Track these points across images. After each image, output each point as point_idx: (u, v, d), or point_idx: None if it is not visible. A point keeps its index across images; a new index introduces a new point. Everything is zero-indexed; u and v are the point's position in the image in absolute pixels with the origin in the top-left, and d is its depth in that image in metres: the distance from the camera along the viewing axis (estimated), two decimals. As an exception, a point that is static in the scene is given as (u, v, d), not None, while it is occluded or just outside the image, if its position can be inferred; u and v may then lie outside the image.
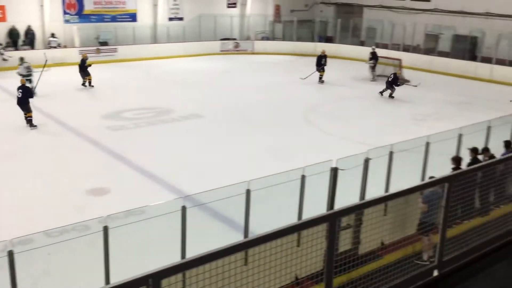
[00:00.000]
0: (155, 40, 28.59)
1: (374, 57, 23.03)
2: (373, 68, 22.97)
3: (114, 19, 27.20)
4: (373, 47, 24.17)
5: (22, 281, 4.98)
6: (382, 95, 19.34)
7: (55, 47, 25.00)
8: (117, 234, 5.95)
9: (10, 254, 4.70)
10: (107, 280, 5.57)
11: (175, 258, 5.81)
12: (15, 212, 9.06)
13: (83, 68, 19.55)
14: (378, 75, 22.60)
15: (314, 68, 21.54)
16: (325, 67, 21.60)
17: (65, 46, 25.61)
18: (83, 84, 19.61)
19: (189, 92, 19.74)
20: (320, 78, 21.48)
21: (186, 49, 28.24)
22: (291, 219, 6.84)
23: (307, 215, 6.94)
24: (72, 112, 15.84)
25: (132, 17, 27.74)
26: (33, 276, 6.56)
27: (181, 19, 29.70)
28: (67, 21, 25.92)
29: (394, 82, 18.97)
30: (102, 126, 14.64)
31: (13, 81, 20.28)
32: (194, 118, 15.83)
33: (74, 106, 16.74)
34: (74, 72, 23.00)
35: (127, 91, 19.55)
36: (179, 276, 3.58)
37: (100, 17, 26.69)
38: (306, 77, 20.64)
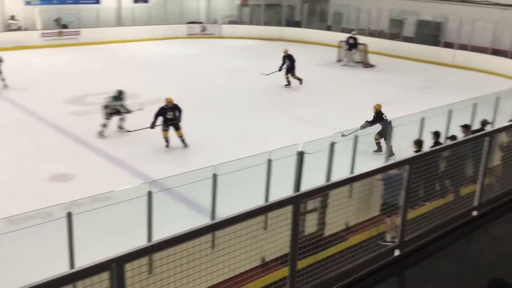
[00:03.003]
0: (119, 23, 28.01)
1: (354, 44, 22.88)
2: (349, 51, 22.86)
3: (77, 1, 26.52)
4: (354, 32, 23.80)
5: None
6: None
7: (15, 30, 24.22)
8: (82, 220, 5.88)
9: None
10: (72, 266, 5.50)
11: (141, 243, 5.80)
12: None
13: None
14: (356, 62, 22.72)
15: (280, 61, 18.60)
16: (294, 69, 18.35)
17: (26, 29, 24.83)
18: None
19: (155, 76, 19.47)
20: (287, 79, 18.45)
21: (152, 32, 27.78)
22: (258, 203, 6.91)
23: (274, 199, 7.02)
24: (34, 97, 15.44)
25: (96, -1, 27.12)
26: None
27: (146, 1, 29.17)
28: (28, 3, 25.10)
29: None
30: (65, 111, 14.33)
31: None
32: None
33: (35, 91, 16.31)
34: (35, 55, 22.39)
35: (91, 75, 19.12)
36: (144, 260, 3.57)
37: (62, -1, 25.98)
38: (268, 74, 18.48)
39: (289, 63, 18.39)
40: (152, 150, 11.65)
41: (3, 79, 16.45)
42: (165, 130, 11.89)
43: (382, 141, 11.35)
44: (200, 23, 30.54)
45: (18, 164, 10.51)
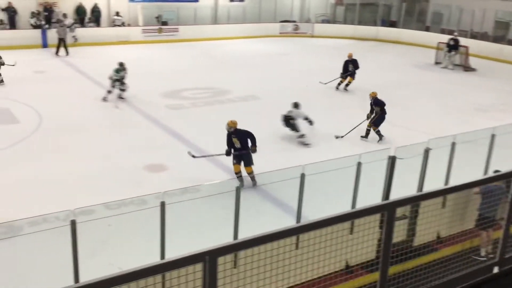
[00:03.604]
0: (215, 21, 28.79)
1: (455, 46, 21.74)
2: (449, 53, 21.75)
3: (177, -1, 27.63)
4: (455, 33, 22.73)
5: (82, 249, 5.21)
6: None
7: (119, 26, 25.69)
8: (172, 210, 6.08)
9: (73, 223, 4.92)
10: (162, 255, 5.73)
11: (227, 237, 5.91)
12: (76, 184, 9.46)
13: None
14: (456, 65, 21.68)
15: (349, 70, 17.24)
16: (355, 74, 17.19)
17: (128, 25, 26.26)
18: None
19: (247, 73, 19.79)
20: (346, 85, 17.25)
21: (245, 30, 28.27)
22: (344, 206, 6.78)
23: (360, 202, 6.86)
24: (133, 89, 16.28)
25: (194, -3, 28.08)
26: (93, 245, 6.86)
27: (242, 0, 29.72)
28: (131, 0, 26.52)
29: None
30: (161, 104, 14.98)
31: (83, 61, 21.14)
32: (251, 99, 15.89)
33: (135, 83, 17.19)
34: (136, 50, 23.67)
35: (187, 71, 19.84)
36: (231, 256, 3.64)
37: (164, -3, 27.17)
38: (327, 83, 16.91)
39: (353, 68, 17.11)
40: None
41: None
42: (235, 163, 9.43)
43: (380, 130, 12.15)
44: (293, 21, 30.58)
45: (115, 153, 11.11)
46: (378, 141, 12.24)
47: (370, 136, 12.37)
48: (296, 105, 12.47)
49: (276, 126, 12.38)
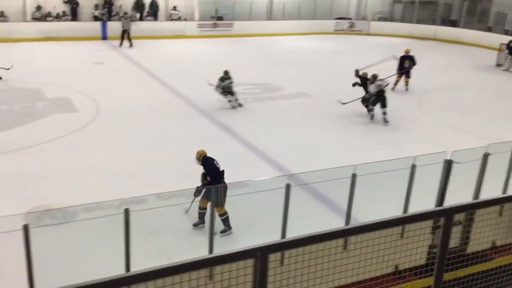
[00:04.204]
0: (270, 16, 28.80)
1: None
2: (510, 55, 20.78)
3: (232, -6, 27.86)
4: None
5: (134, 237, 5.34)
6: None
7: (176, 20, 26.17)
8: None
9: (126, 212, 5.04)
10: (211, 249, 5.78)
11: (274, 234, 5.90)
12: (130, 173, 9.70)
13: None
14: None
15: (408, 65, 16.64)
16: (410, 72, 16.61)
17: (185, 19, 26.69)
18: None
19: (300, 70, 19.70)
20: (406, 84, 16.72)
21: (300, 27, 28.14)
22: (395, 209, 6.62)
23: (412, 206, 6.68)
24: (186, 82, 16.54)
25: (250, -7, 28.19)
26: (143, 234, 7.02)
27: (297, -4, 29.63)
28: (186, -6, 26.95)
29: None
30: (213, 98, 15.13)
31: (140, 53, 21.67)
32: (302, 97, 15.80)
33: (188, 77, 17.46)
34: (192, 44, 24.04)
35: (240, 66, 19.94)
36: (278, 253, 3.61)
37: (220, -8, 27.45)
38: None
39: (410, 64, 16.52)
40: (294, 144, 11.74)
41: None
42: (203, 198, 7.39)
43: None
44: (349, 19, 30.15)
45: (167, 144, 11.29)
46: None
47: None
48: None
49: (325, 124, 12.25)
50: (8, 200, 8.20)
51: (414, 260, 5.37)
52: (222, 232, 7.27)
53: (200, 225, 7.50)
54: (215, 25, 26.48)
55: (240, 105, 14.23)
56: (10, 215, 5.83)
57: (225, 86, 13.96)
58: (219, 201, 7.07)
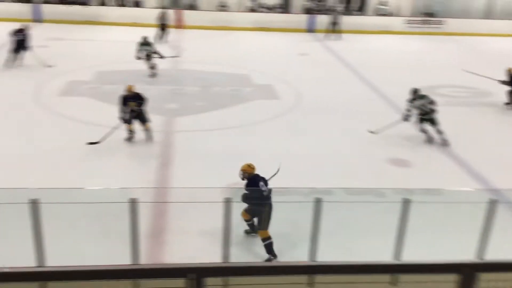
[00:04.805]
0: (489, 15, 26.36)
1: None
2: None
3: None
4: None
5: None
6: None
7: (383, 15, 25.68)
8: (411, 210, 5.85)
9: (317, 202, 5.13)
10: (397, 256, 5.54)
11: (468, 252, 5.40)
12: (319, 163, 9.86)
13: None
14: None
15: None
16: None
17: (391, 14, 26.00)
18: None
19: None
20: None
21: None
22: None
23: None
24: (385, 78, 16.13)
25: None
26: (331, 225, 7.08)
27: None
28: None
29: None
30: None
31: (344, 47, 21.89)
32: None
33: (388, 74, 16.99)
34: (396, 40, 23.37)
35: (447, 66, 18.79)
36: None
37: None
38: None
39: None
40: (503, 156, 10.64)
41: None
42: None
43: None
44: None
45: (358, 141, 11.17)
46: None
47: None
48: None
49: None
50: (211, 173, 9.06)
51: None
52: (266, 261, 6.22)
53: (251, 234, 6.83)
54: (424, 22, 25.27)
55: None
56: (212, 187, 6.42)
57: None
58: (261, 223, 6.32)
